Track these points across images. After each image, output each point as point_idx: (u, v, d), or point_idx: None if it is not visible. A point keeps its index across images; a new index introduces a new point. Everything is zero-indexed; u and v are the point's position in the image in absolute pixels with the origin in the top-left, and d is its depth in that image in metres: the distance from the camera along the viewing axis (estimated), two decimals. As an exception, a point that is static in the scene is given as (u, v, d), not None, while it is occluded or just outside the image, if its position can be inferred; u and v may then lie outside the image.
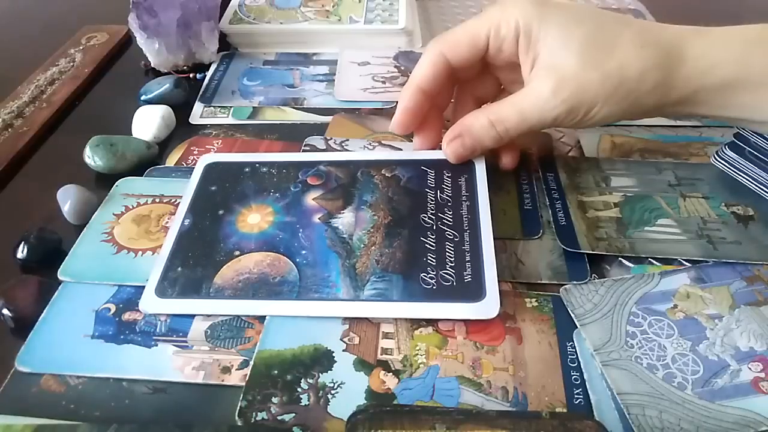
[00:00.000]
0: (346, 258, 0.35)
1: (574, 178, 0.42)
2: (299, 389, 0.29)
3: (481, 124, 0.37)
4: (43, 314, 0.33)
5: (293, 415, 0.28)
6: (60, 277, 0.35)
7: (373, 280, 0.34)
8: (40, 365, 0.31)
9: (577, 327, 0.32)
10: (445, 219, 0.36)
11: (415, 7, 0.63)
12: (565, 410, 0.29)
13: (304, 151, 0.44)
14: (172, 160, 0.45)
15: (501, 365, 0.31)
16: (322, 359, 0.31)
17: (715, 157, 0.42)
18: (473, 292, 0.33)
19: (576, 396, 0.29)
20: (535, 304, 0.33)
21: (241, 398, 0.29)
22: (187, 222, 0.37)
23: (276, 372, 0.30)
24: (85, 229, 0.38)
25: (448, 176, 0.39)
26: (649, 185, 0.41)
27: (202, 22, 0.54)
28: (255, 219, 0.37)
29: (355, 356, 0.31)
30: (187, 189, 0.39)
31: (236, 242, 0.36)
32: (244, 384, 0.30)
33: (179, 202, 0.39)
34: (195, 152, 0.45)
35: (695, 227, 0.37)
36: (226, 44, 0.58)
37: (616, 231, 0.37)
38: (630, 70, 0.34)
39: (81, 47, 0.58)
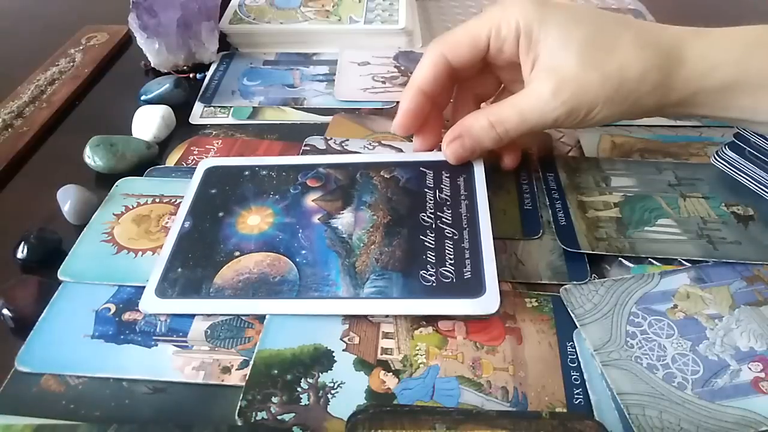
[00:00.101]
0: (345, 257, 0.35)
1: (574, 178, 0.42)
2: (299, 389, 0.30)
3: (481, 125, 0.37)
4: (43, 314, 0.33)
5: (293, 414, 0.28)
6: (60, 277, 0.35)
7: (373, 278, 0.34)
8: (40, 365, 0.31)
9: (577, 327, 0.32)
10: (444, 218, 0.36)
11: (415, 7, 0.63)
12: (565, 410, 0.29)
13: (304, 151, 0.44)
14: (172, 160, 0.45)
15: (501, 365, 0.31)
16: (322, 359, 0.31)
17: (715, 157, 0.42)
18: (473, 288, 0.33)
19: (576, 396, 0.29)
20: (535, 304, 0.33)
21: (241, 398, 0.29)
22: (187, 224, 0.37)
23: (276, 372, 0.30)
24: (85, 229, 0.38)
25: (446, 176, 0.39)
26: (649, 185, 0.41)
27: (202, 22, 0.54)
28: (255, 220, 0.38)
29: (355, 356, 0.31)
30: (186, 192, 0.40)
31: (236, 243, 0.36)
32: (244, 384, 0.30)
33: (179, 203, 0.39)
34: (195, 152, 0.45)
35: (695, 227, 0.37)
36: (226, 44, 0.58)
37: (616, 231, 0.37)
38: (630, 72, 0.34)
39: (81, 47, 0.58)
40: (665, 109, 0.36)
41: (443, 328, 0.32)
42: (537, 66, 0.35)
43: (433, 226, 0.36)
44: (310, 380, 0.30)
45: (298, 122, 0.48)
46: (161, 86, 0.50)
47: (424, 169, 0.40)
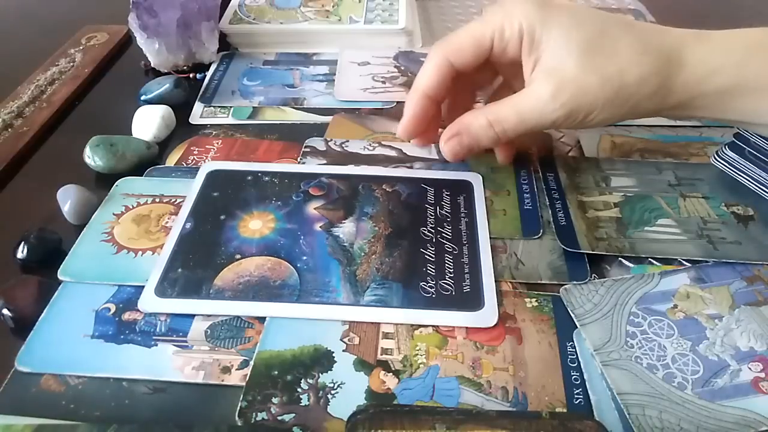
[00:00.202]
0: (346, 265, 0.35)
1: (574, 178, 0.42)
2: (299, 389, 0.30)
3: (480, 123, 0.37)
4: (43, 314, 0.33)
5: (293, 415, 0.28)
6: (60, 277, 0.35)
7: (374, 286, 0.34)
8: (40, 365, 0.31)
9: (577, 327, 0.32)
10: (444, 233, 0.37)
11: (415, 7, 0.63)
12: (565, 410, 0.29)
13: (304, 152, 0.44)
14: (172, 160, 0.45)
15: (501, 365, 0.31)
16: (322, 359, 0.31)
17: (715, 157, 0.42)
18: (472, 301, 0.33)
19: (576, 396, 0.29)
20: (535, 304, 0.33)
21: (241, 398, 0.29)
22: (188, 225, 0.38)
23: (276, 372, 0.30)
24: (85, 229, 0.38)
25: (447, 194, 0.40)
26: (649, 185, 0.41)
27: (202, 22, 0.54)
28: (256, 225, 0.38)
29: (355, 356, 0.31)
30: (188, 194, 0.40)
31: (237, 246, 0.36)
32: (244, 384, 0.30)
33: (179, 202, 0.39)
34: (195, 152, 0.45)
35: (695, 227, 0.37)
36: (226, 44, 0.58)
37: (616, 231, 0.37)
38: (629, 76, 0.34)
39: (81, 47, 0.58)
40: (664, 111, 0.36)
41: (443, 328, 0.32)
42: (538, 67, 0.35)
43: (434, 240, 0.37)
44: (310, 381, 0.30)
45: (298, 122, 0.48)
46: (161, 86, 0.50)
47: (426, 186, 0.41)
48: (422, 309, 0.33)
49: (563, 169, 0.42)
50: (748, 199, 0.39)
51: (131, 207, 0.40)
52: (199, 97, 0.51)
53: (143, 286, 0.34)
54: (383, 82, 0.53)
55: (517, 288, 0.35)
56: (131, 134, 0.46)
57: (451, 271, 0.35)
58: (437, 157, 0.43)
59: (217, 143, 0.46)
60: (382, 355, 0.31)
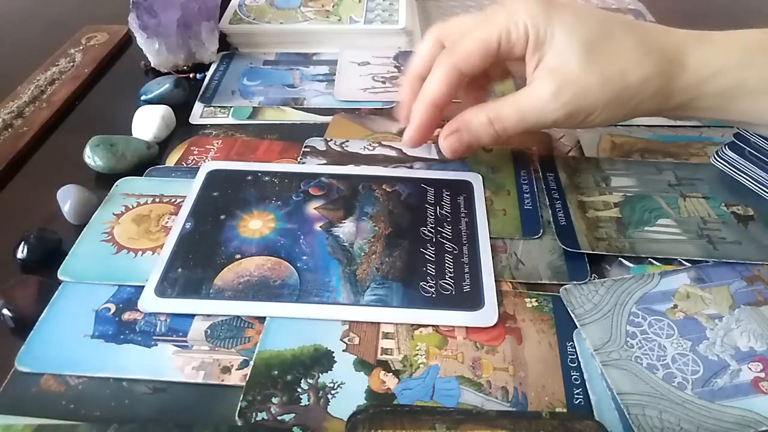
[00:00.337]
0: (346, 265, 0.35)
1: (574, 178, 0.42)
2: (299, 389, 0.30)
3: (480, 121, 0.37)
4: (43, 314, 0.33)
5: (293, 415, 0.28)
6: (60, 277, 0.35)
7: (374, 286, 0.34)
8: (40, 365, 0.31)
9: (577, 327, 0.32)
10: (444, 233, 0.37)
11: (415, 7, 0.63)
12: (565, 410, 0.29)
13: (304, 152, 0.44)
14: (172, 160, 0.45)
15: (501, 365, 0.31)
16: (322, 359, 0.31)
17: (715, 157, 0.42)
18: (472, 301, 0.33)
19: (576, 396, 0.29)
20: (535, 304, 0.33)
21: (241, 398, 0.29)
22: (188, 225, 0.38)
23: (276, 372, 0.30)
24: (85, 229, 0.38)
25: (447, 194, 0.40)
26: (649, 185, 0.41)
27: (202, 22, 0.54)
28: (256, 225, 0.38)
29: (355, 356, 0.31)
30: (188, 194, 0.40)
31: (237, 246, 0.36)
32: (244, 384, 0.30)
33: (179, 202, 0.39)
34: (195, 152, 0.45)
35: (695, 227, 0.37)
36: (226, 44, 0.58)
37: (616, 231, 0.37)
38: (631, 77, 0.34)
39: (81, 47, 0.58)
40: (665, 111, 0.36)
41: (443, 328, 0.32)
42: (540, 65, 0.35)
43: (434, 240, 0.37)
44: (310, 381, 0.30)
45: (298, 122, 0.48)
46: (161, 86, 0.50)
47: (425, 186, 0.41)
48: (422, 309, 0.33)
49: (563, 169, 0.42)
50: (748, 199, 0.39)
51: (131, 207, 0.40)
52: (199, 97, 0.51)
53: (143, 286, 0.34)
54: (383, 82, 0.53)
55: (517, 288, 0.35)
56: (131, 134, 0.46)
57: (451, 271, 0.35)
58: (437, 157, 0.44)
59: (217, 143, 0.46)
60: (382, 355, 0.31)
